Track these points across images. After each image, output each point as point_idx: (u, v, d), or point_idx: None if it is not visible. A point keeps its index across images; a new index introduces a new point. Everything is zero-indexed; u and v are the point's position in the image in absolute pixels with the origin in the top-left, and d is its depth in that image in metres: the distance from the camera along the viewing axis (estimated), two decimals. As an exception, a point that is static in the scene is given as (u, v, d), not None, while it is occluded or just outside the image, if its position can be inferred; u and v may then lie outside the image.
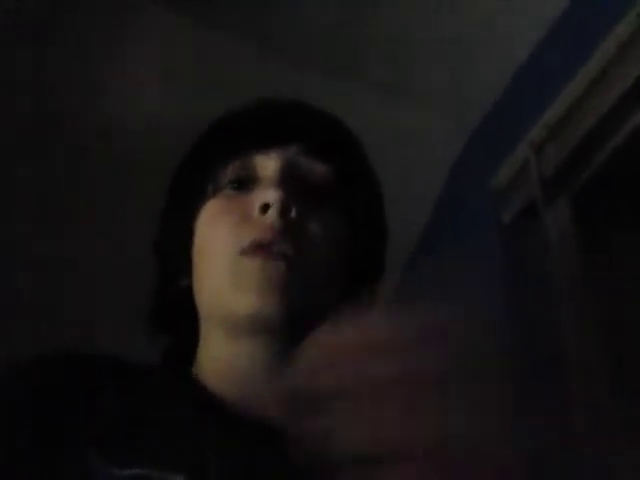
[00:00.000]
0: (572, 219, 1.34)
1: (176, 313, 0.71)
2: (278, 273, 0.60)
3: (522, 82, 1.61)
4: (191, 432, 0.57)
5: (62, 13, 1.54)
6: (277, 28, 1.61)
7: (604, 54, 1.23)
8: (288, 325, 0.61)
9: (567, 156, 1.32)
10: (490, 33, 1.55)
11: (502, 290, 1.44)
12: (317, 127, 0.71)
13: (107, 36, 1.60)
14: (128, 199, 1.76)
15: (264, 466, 0.57)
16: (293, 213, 0.63)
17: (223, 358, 0.65)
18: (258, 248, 0.61)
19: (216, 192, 0.67)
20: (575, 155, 1.31)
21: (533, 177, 1.37)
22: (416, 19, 1.56)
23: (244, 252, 0.61)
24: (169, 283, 0.71)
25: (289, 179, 0.65)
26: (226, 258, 0.62)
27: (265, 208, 0.62)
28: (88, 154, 1.75)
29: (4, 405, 0.57)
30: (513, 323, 1.36)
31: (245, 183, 0.66)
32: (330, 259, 0.65)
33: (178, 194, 0.73)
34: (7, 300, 1.80)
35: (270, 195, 0.62)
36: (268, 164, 0.66)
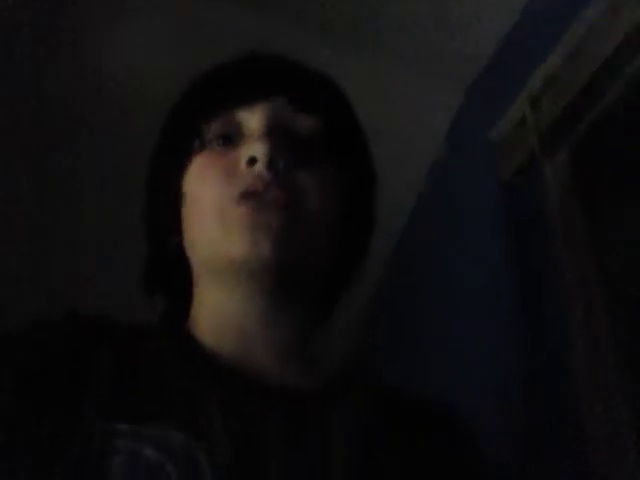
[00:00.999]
0: (571, 171, 1.33)
1: (169, 272, 0.72)
2: (270, 219, 0.61)
3: (517, 35, 1.59)
4: (189, 390, 0.58)
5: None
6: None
7: (598, 7, 1.21)
8: (282, 270, 0.62)
9: (564, 107, 1.31)
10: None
11: (503, 245, 1.44)
12: (301, 79, 0.71)
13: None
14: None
15: (262, 421, 0.58)
16: (281, 164, 0.63)
17: (217, 310, 0.66)
18: (248, 196, 0.62)
19: (202, 148, 0.67)
20: (573, 106, 1.30)
21: (530, 130, 1.36)
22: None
23: (234, 201, 0.63)
24: (160, 241, 0.72)
25: (275, 132, 0.66)
26: (216, 208, 0.63)
27: (252, 161, 0.63)
28: (85, 117, 1.73)
29: (4, 367, 0.58)
30: (514, 276, 1.37)
31: (231, 138, 0.67)
32: (322, 208, 0.66)
33: (164, 151, 0.73)
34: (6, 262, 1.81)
35: (257, 148, 0.63)
36: (253, 118, 0.66)
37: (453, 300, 1.60)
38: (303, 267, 0.65)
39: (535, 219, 1.36)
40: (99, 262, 1.91)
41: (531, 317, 1.29)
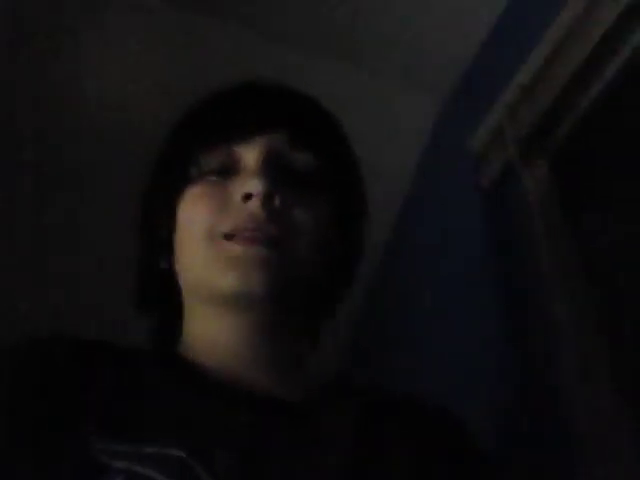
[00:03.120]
0: (550, 179, 1.34)
1: (158, 294, 0.72)
2: (260, 256, 0.61)
3: (493, 45, 1.61)
4: (185, 407, 0.58)
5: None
6: (259, 9, 1.62)
7: (572, 12, 1.23)
8: (272, 303, 0.63)
9: (541, 117, 1.32)
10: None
11: (484, 254, 1.45)
12: (299, 114, 0.71)
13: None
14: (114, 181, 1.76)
15: (259, 434, 0.58)
16: (277, 201, 0.63)
17: (208, 335, 0.66)
18: (240, 233, 0.62)
19: (199, 177, 0.67)
20: (550, 115, 1.31)
21: (508, 139, 1.37)
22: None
23: (227, 236, 0.63)
24: (150, 264, 0.72)
25: (272, 167, 0.66)
26: (206, 241, 0.64)
27: (248, 197, 0.63)
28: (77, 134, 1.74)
29: (3, 385, 0.57)
30: (496, 284, 1.38)
31: (228, 170, 0.67)
32: (316, 243, 0.66)
33: (160, 177, 0.73)
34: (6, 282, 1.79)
35: (253, 185, 0.63)
36: (251, 152, 0.66)
37: (436, 305, 1.60)
38: (291, 297, 0.66)
39: (515, 226, 1.37)
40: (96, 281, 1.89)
41: (514, 322, 1.29)
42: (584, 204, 1.28)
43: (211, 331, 0.66)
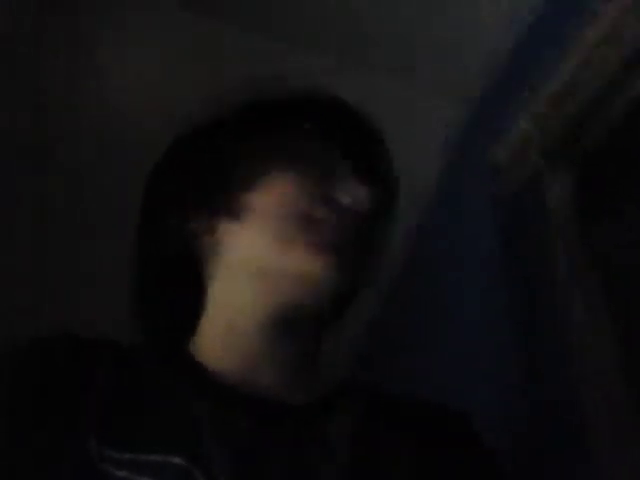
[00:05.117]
0: (574, 191, 1.33)
1: (172, 279, 0.71)
2: (347, 249, 0.65)
3: (521, 54, 1.60)
4: (186, 412, 0.58)
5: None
6: (277, 13, 1.62)
7: (603, 22, 1.22)
8: (324, 305, 0.65)
9: (568, 127, 1.31)
10: (491, 4, 1.54)
11: (501, 265, 1.44)
12: (375, 142, 0.76)
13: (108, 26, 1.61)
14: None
15: (261, 439, 0.58)
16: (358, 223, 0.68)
17: (229, 327, 0.66)
18: (339, 227, 0.65)
19: (292, 158, 0.69)
20: (576, 126, 1.30)
21: (534, 150, 1.36)
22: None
23: (326, 224, 0.65)
24: (178, 222, 0.70)
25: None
26: (305, 224, 0.65)
27: (353, 201, 0.67)
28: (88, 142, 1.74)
29: (3, 387, 0.57)
30: (512, 293, 1.37)
31: (325, 165, 0.70)
32: (378, 245, 0.72)
33: (238, 149, 0.72)
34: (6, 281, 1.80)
35: (362, 194, 0.67)
36: (348, 165, 0.71)
37: (451, 314, 1.59)
38: (342, 296, 0.68)
39: (536, 236, 1.36)
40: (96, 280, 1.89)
41: (530, 334, 1.28)
42: (605, 216, 1.27)
43: (239, 318, 0.66)
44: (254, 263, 0.66)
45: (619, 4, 1.18)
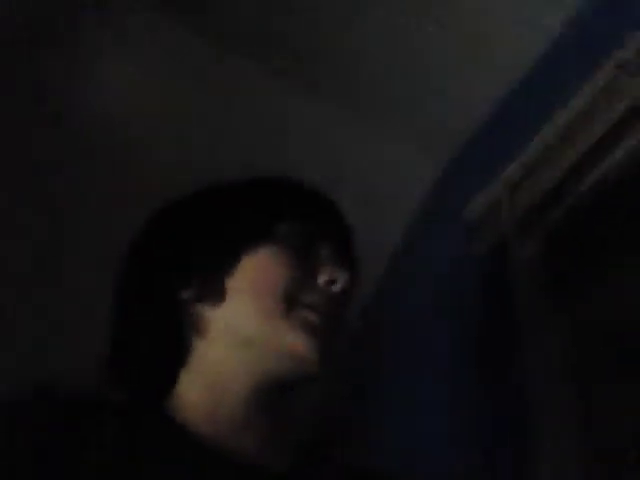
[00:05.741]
0: (542, 257, 1.36)
1: (167, 328, 0.72)
2: (327, 332, 0.69)
3: (500, 118, 1.63)
4: (173, 473, 0.59)
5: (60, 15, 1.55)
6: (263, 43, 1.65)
7: (582, 100, 1.26)
8: (311, 379, 0.69)
9: (540, 196, 1.34)
10: (471, 67, 1.58)
11: (473, 321, 1.45)
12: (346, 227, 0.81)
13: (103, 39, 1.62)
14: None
15: None
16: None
17: (218, 389, 0.68)
18: (321, 309, 0.70)
19: (271, 239, 0.73)
20: (548, 195, 1.33)
21: (505, 215, 1.39)
22: (394, 50, 1.60)
23: (307, 306, 0.69)
24: (168, 293, 0.72)
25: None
26: (289, 303, 0.69)
27: (332, 282, 0.72)
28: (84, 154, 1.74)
29: None
30: (483, 356, 1.37)
31: (305, 247, 0.74)
32: (346, 321, 0.75)
33: (234, 223, 0.75)
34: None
35: (341, 275, 0.72)
36: (330, 245, 0.75)
37: (422, 367, 1.60)
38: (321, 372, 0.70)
39: (504, 295, 1.37)
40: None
41: (494, 392, 1.29)
42: (573, 282, 1.29)
43: (224, 384, 0.68)
44: (239, 333, 0.69)
45: (597, 84, 1.22)
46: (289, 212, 0.76)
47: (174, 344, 0.71)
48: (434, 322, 1.61)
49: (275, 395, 0.69)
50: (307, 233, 0.75)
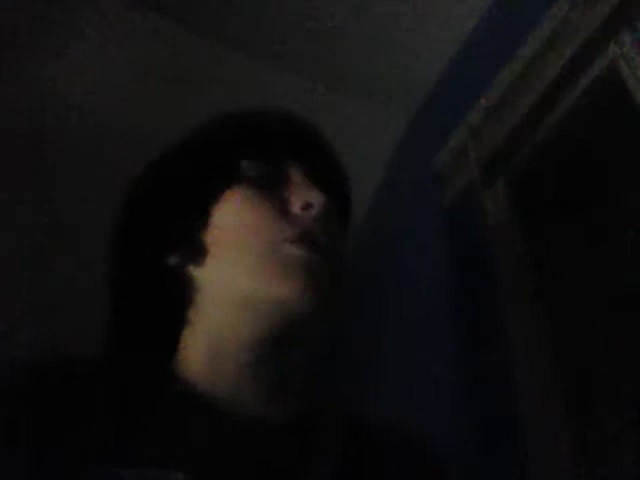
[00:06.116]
0: (509, 201, 1.37)
1: (158, 295, 0.70)
2: (319, 264, 0.64)
3: (459, 66, 1.64)
4: (183, 428, 0.59)
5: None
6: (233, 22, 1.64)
7: (539, 36, 1.26)
8: (309, 316, 0.64)
9: (504, 139, 1.35)
10: (427, 18, 1.58)
11: (443, 271, 1.47)
12: (324, 151, 0.76)
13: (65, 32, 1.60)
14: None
15: (256, 458, 0.59)
16: (331, 215, 0.68)
17: (218, 345, 0.66)
18: (305, 239, 0.65)
19: (239, 183, 0.69)
20: (512, 138, 1.34)
21: (471, 161, 1.40)
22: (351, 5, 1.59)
23: (289, 240, 0.64)
24: (153, 260, 0.70)
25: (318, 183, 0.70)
26: (268, 245, 0.64)
27: (307, 206, 0.67)
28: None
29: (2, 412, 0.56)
30: (456, 306, 1.39)
31: (273, 180, 0.69)
32: (345, 256, 0.70)
33: (190, 177, 0.72)
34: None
35: (314, 196, 0.67)
36: (299, 168, 0.71)
37: (392, 320, 1.61)
38: (320, 318, 0.66)
39: (474, 244, 1.39)
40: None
41: (470, 338, 1.31)
42: (540, 222, 1.31)
43: (224, 342, 0.65)
44: (227, 290, 0.66)
45: (552, 23, 1.23)
46: (249, 147, 0.70)
47: (171, 310, 0.69)
48: (408, 275, 1.62)
49: (278, 347, 0.65)
50: (274, 163, 0.70)
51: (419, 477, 0.69)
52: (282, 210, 0.67)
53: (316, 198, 0.66)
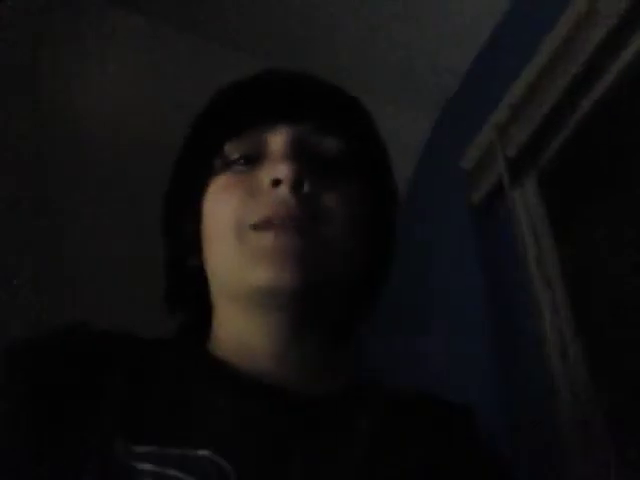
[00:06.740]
0: (539, 197, 1.36)
1: (188, 292, 0.69)
2: (292, 245, 0.58)
3: (483, 64, 1.63)
4: (209, 405, 0.57)
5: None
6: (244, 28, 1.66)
7: (561, 32, 1.25)
8: (304, 296, 0.60)
9: (530, 136, 1.34)
10: (450, 18, 1.57)
11: (474, 269, 1.46)
12: (325, 100, 0.68)
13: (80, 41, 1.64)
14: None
15: (284, 432, 0.57)
16: (306, 187, 0.61)
17: (237, 332, 0.64)
18: (270, 222, 0.59)
19: (224, 168, 0.65)
20: (538, 134, 1.33)
21: (498, 158, 1.39)
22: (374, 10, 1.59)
23: (256, 226, 0.60)
24: (178, 262, 0.69)
25: (300, 154, 0.63)
26: (235, 233, 0.61)
27: (276, 183, 0.60)
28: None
29: (16, 376, 0.56)
30: (486, 302, 1.39)
31: (255, 159, 0.64)
32: (347, 229, 0.63)
33: (184, 170, 0.70)
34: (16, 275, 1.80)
35: (281, 170, 0.60)
36: (278, 139, 0.64)
37: (424, 318, 1.61)
38: (325, 291, 0.62)
39: (504, 242, 1.38)
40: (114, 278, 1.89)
41: (501, 336, 1.30)
42: (571, 219, 1.30)
43: (241, 329, 0.63)
44: (222, 285, 0.64)
45: (573, 17, 1.21)
46: (229, 127, 0.65)
47: (201, 303, 0.68)
48: (439, 273, 1.62)
49: (293, 329, 0.62)
50: (255, 138, 0.64)
51: (468, 446, 0.66)
52: (252, 192, 0.61)
53: (283, 172, 0.60)
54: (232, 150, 0.65)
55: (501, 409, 1.24)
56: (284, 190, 0.59)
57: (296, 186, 0.60)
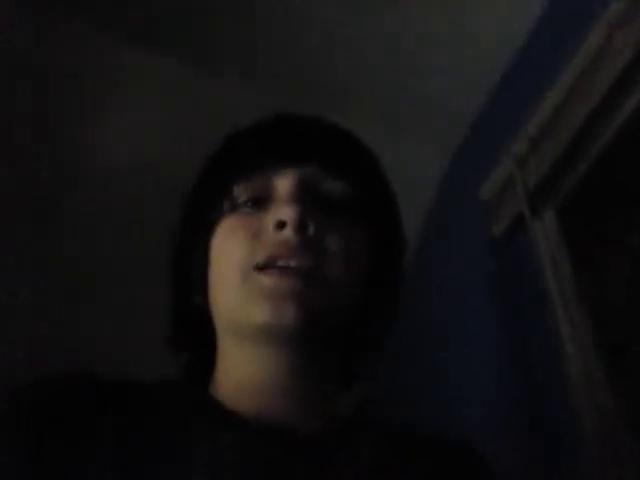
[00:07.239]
0: (559, 229, 1.36)
1: (193, 331, 0.71)
2: (293, 287, 0.60)
3: (503, 96, 1.64)
4: (212, 446, 0.58)
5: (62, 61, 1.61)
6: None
7: (579, 65, 1.26)
8: (305, 336, 0.61)
9: (550, 167, 1.34)
10: (467, 51, 1.59)
11: (494, 302, 1.46)
12: (334, 145, 0.70)
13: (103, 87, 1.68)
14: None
15: (286, 471, 0.58)
16: (310, 230, 0.62)
17: (238, 368, 0.65)
18: (274, 263, 0.61)
19: (232, 210, 0.67)
20: (558, 166, 1.33)
21: (518, 190, 1.39)
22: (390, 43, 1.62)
23: (258, 267, 0.62)
24: (184, 301, 0.71)
25: (306, 196, 0.65)
26: (240, 273, 0.62)
27: (281, 225, 0.62)
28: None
29: (16, 421, 0.56)
30: (504, 334, 1.38)
31: (262, 202, 0.66)
32: (349, 272, 0.64)
33: (193, 210, 0.72)
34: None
35: (286, 212, 0.62)
36: (284, 182, 0.66)
37: (442, 352, 1.60)
38: (326, 330, 0.64)
39: (525, 274, 1.38)
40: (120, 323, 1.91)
41: (522, 370, 1.29)
42: (592, 252, 1.29)
43: (242, 366, 0.65)
44: (227, 322, 0.66)
45: (591, 48, 1.23)
46: (238, 169, 0.67)
47: (206, 343, 0.70)
48: (458, 306, 1.61)
49: (293, 365, 0.63)
50: (262, 181, 0.66)
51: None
52: (258, 234, 0.63)
53: (287, 214, 0.62)
54: (240, 192, 0.67)
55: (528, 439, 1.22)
56: (288, 232, 0.61)
57: (300, 228, 0.62)
